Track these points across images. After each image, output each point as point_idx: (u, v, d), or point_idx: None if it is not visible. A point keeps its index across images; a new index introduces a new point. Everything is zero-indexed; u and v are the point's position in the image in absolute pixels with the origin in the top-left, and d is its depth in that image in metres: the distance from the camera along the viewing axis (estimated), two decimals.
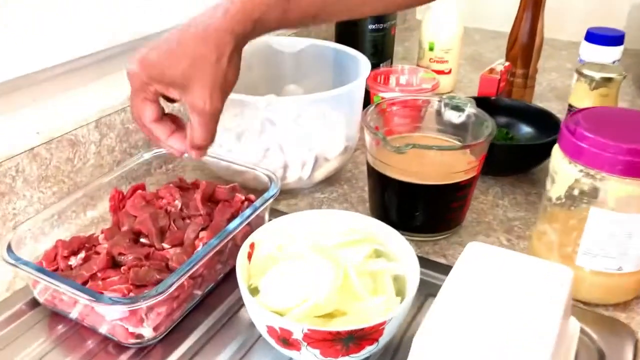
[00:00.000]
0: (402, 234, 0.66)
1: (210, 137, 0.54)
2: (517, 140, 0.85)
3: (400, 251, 0.53)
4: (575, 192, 0.54)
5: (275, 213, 0.72)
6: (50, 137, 0.64)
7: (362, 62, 0.77)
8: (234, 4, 0.49)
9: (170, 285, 0.49)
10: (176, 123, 0.55)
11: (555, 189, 0.56)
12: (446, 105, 0.70)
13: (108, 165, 0.73)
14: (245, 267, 0.51)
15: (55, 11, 0.64)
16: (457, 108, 0.70)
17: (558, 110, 1.02)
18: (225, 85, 0.51)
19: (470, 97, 0.91)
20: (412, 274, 0.50)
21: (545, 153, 0.78)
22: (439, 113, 0.72)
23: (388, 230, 0.55)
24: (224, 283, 0.60)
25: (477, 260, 0.50)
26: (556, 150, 0.56)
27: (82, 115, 0.69)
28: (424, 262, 0.63)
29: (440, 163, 0.63)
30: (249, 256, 0.53)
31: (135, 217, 0.60)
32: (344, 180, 0.80)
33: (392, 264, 0.52)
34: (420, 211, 0.65)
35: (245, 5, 0.49)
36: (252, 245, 0.53)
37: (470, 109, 0.69)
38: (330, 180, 0.79)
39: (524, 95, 1.03)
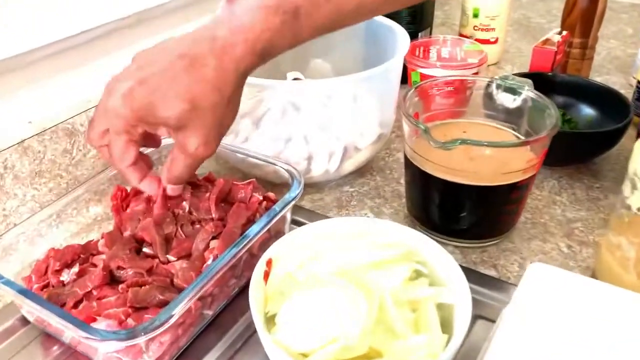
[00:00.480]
0: (445, 239, 0.58)
1: (190, 176, 0.49)
2: (576, 124, 0.74)
3: (445, 271, 0.45)
4: None
5: (297, 211, 0.63)
6: (43, 127, 0.57)
7: (399, 35, 0.66)
8: (233, 35, 0.42)
9: (174, 313, 0.41)
10: (147, 163, 0.49)
11: (637, 197, 0.46)
12: (499, 86, 0.60)
13: None
14: (260, 293, 0.43)
15: None
16: (513, 90, 0.59)
17: (621, 85, 0.90)
18: (222, 128, 0.45)
19: (522, 72, 0.80)
20: (463, 303, 0.41)
21: (611, 141, 0.67)
22: (489, 95, 0.61)
23: (431, 244, 0.46)
24: (239, 298, 0.52)
25: (543, 289, 0.41)
26: (637, 150, 0.46)
27: (80, 100, 0.61)
28: (471, 274, 0.54)
29: (492, 160, 0.53)
30: (266, 276, 0.45)
31: (139, 220, 0.53)
32: (376, 171, 0.70)
33: (437, 290, 0.43)
34: (467, 214, 0.56)
35: (246, 36, 0.42)
36: (269, 263, 0.45)
37: (528, 92, 0.58)
38: (360, 171, 0.70)
39: (580, 69, 0.90)
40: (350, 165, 0.65)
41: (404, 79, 0.78)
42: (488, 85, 0.61)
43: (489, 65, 0.97)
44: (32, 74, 0.57)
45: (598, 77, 0.93)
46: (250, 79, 0.57)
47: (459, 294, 0.42)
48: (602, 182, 0.67)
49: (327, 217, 0.62)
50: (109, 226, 0.58)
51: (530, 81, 0.59)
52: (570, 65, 0.91)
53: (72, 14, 0.57)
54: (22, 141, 0.55)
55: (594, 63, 0.94)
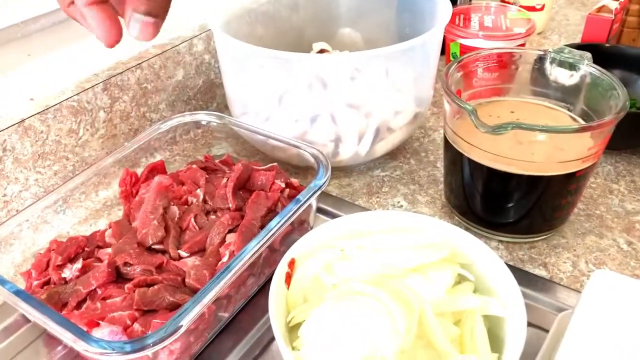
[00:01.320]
0: (487, 232, 0.52)
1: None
2: (635, 102, 0.66)
3: (494, 277, 0.39)
4: None
5: (323, 198, 0.58)
6: (46, 105, 0.52)
7: (439, 2, 0.59)
8: None
9: (185, 322, 0.36)
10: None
11: None
12: (554, 60, 0.53)
13: (123, 135, 0.60)
14: (281, 300, 0.38)
15: None
16: (570, 65, 0.52)
17: None
18: None
19: (572, 44, 0.72)
20: (516, 317, 0.35)
21: None
22: (540, 70, 0.54)
23: (477, 245, 0.40)
24: (257, 297, 0.47)
25: (609, 298, 0.35)
26: None
27: (86, 74, 0.56)
28: (518, 274, 0.48)
29: (545, 146, 0.46)
30: (288, 278, 0.39)
31: None
32: (410, 153, 0.64)
33: (485, 300, 0.37)
34: (515, 206, 0.49)
35: None
36: (291, 263, 0.40)
37: (588, 67, 0.51)
38: (392, 153, 0.64)
39: (636, 39, 0.82)
40: (382, 148, 0.59)
41: (442, 50, 0.71)
42: (540, 59, 0.54)
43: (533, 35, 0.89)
44: (33, 45, 0.52)
45: None
46: (271, 52, 0.51)
47: (511, 306, 0.36)
48: None
49: (356, 205, 0.57)
50: (119, 212, 0.54)
51: (589, 54, 0.52)
52: (624, 35, 0.82)
53: None
54: (23, 120, 0.50)
55: None
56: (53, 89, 0.54)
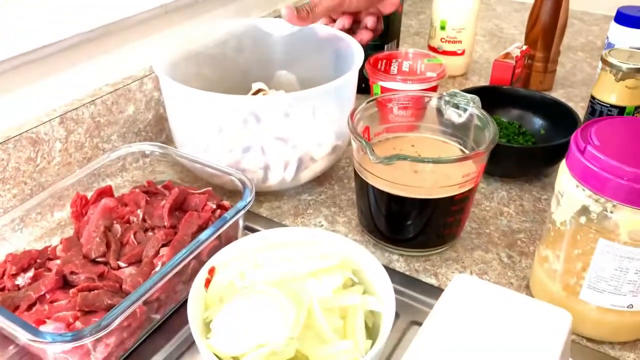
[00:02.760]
0: (391, 248, 0.61)
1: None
2: (531, 137, 0.76)
3: (377, 280, 0.47)
4: (582, 219, 0.46)
5: (255, 218, 0.66)
6: (7, 136, 0.59)
7: (355, 51, 0.69)
8: None
9: (117, 317, 0.44)
10: None
11: (560, 212, 0.49)
12: (447, 102, 0.63)
13: (77, 162, 0.67)
14: (200, 299, 0.46)
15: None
16: (458, 107, 0.62)
17: (582, 97, 0.93)
18: None
19: (481, 86, 0.83)
20: (387, 311, 0.44)
21: (559, 154, 0.70)
22: (439, 111, 0.64)
23: (366, 255, 0.49)
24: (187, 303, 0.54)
25: (464, 298, 0.43)
26: (563, 168, 0.49)
27: (45, 110, 0.63)
28: (412, 282, 0.58)
29: (434, 174, 0.56)
30: (207, 283, 0.47)
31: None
32: (335, 180, 0.73)
33: (366, 298, 0.46)
34: (410, 225, 0.58)
35: None
36: (211, 271, 0.48)
37: (473, 109, 0.61)
38: (319, 179, 0.72)
39: (543, 81, 0.93)
40: (306, 175, 0.68)
41: (367, 90, 0.81)
42: (438, 101, 0.64)
43: (456, 77, 1.00)
44: None
45: (561, 89, 0.96)
46: (210, 94, 0.60)
47: (385, 302, 0.45)
48: (549, 194, 0.70)
49: (282, 225, 0.65)
50: (72, 231, 0.61)
51: (477, 97, 0.62)
52: (533, 77, 0.94)
53: (36, 28, 0.59)
54: None
55: (559, 75, 0.98)
56: (14, 122, 0.61)
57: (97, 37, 0.66)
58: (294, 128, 0.64)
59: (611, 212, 0.44)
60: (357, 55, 0.68)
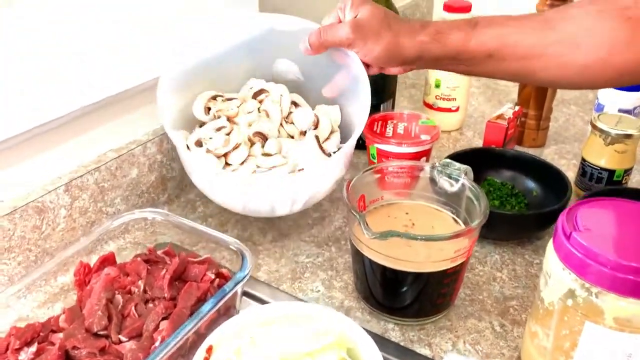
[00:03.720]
0: (387, 317, 0.62)
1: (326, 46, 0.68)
2: (522, 197, 0.78)
3: (369, 355, 0.49)
4: (569, 302, 0.48)
5: (253, 283, 0.68)
6: (14, 206, 0.61)
7: (356, 71, 0.69)
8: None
9: None
10: None
11: (548, 292, 0.50)
12: (440, 172, 0.65)
13: (81, 227, 0.69)
14: None
15: (17, 78, 0.61)
16: (451, 177, 0.64)
17: (574, 154, 0.95)
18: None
19: (472, 148, 0.85)
20: None
21: (551, 220, 0.72)
22: (432, 179, 0.66)
23: (360, 333, 0.50)
24: None
25: None
26: (550, 250, 0.50)
27: (50, 178, 0.66)
28: (407, 354, 0.59)
29: (425, 249, 0.57)
30: None
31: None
32: (332, 241, 0.75)
33: None
34: (404, 296, 0.60)
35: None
36: (209, 349, 0.49)
37: (465, 180, 0.63)
38: (317, 241, 0.74)
39: (536, 138, 0.96)
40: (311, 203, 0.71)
41: (364, 146, 0.83)
42: (431, 170, 0.66)
43: (451, 132, 1.02)
44: (5, 158, 0.61)
45: (554, 145, 0.98)
46: (217, 174, 0.62)
47: None
48: (541, 259, 0.71)
49: (280, 290, 0.67)
50: (74, 296, 0.62)
51: (469, 168, 0.64)
52: (526, 135, 0.96)
53: (44, 103, 0.62)
54: None
55: (551, 131, 1.00)
56: (21, 191, 0.63)
57: (101, 107, 0.69)
58: (300, 184, 0.67)
59: (596, 297, 0.46)
60: (361, 121, 0.69)
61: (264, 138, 0.71)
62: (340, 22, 0.67)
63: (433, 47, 0.63)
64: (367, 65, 0.67)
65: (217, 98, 0.74)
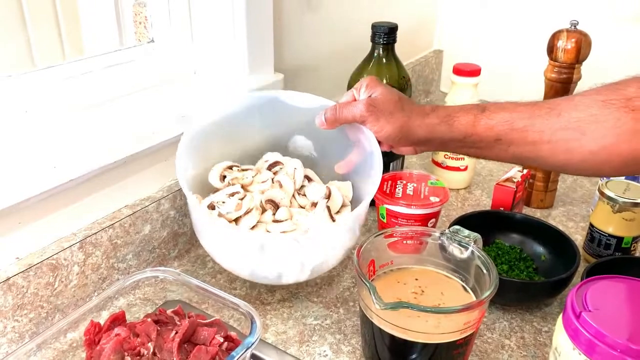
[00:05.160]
0: None
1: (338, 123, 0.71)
2: (530, 262, 0.79)
3: None
4: None
5: (260, 345, 0.68)
6: (29, 264, 0.62)
7: (370, 144, 0.70)
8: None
9: None
10: None
11: None
12: (449, 239, 0.65)
13: (93, 283, 0.70)
14: None
15: (37, 138, 0.64)
16: (460, 244, 0.65)
17: (582, 217, 0.96)
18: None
19: (484, 210, 0.86)
20: None
21: (559, 288, 0.72)
22: (442, 245, 0.67)
23: None
24: None
25: None
26: (560, 326, 0.50)
27: (65, 235, 0.67)
28: None
29: (435, 319, 0.58)
30: None
31: None
32: (340, 302, 0.75)
33: None
34: None
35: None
36: None
37: (474, 249, 0.64)
38: (326, 302, 0.74)
39: (544, 199, 0.97)
40: (319, 272, 0.71)
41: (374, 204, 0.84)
42: (440, 236, 0.66)
43: (459, 190, 1.03)
44: (23, 215, 0.63)
45: (562, 207, 0.99)
46: (229, 228, 0.63)
47: None
48: (550, 326, 0.71)
49: (287, 354, 0.66)
50: (83, 354, 0.63)
51: (479, 236, 0.65)
52: (534, 196, 0.97)
53: (62, 164, 0.64)
54: (8, 279, 0.60)
55: (559, 192, 1.01)
56: (36, 248, 0.65)
57: (119, 166, 0.71)
58: (309, 245, 0.67)
59: None
60: (373, 185, 0.70)
61: (276, 206, 0.72)
62: (355, 100, 0.69)
63: (442, 128, 0.65)
64: (378, 143, 0.70)
65: (233, 168, 0.77)
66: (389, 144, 0.70)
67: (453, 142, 0.66)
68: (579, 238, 0.88)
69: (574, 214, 0.97)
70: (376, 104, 0.67)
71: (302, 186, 0.77)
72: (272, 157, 0.80)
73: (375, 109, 0.67)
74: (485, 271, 0.61)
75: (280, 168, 0.78)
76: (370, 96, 0.68)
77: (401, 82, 0.90)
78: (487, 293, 0.57)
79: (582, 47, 0.85)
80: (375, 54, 0.89)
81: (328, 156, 0.79)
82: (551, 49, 0.87)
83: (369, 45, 0.90)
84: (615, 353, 0.44)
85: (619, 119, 0.55)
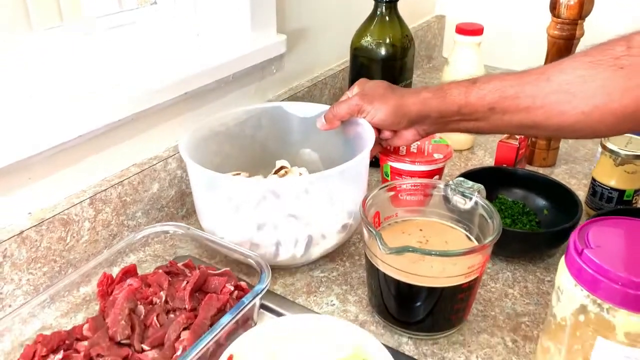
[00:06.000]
0: (400, 330, 0.64)
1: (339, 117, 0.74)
2: (533, 216, 0.80)
3: None
4: (581, 317, 0.49)
5: (269, 295, 0.69)
6: (41, 218, 0.63)
7: (368, 132, 0.73)
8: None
9: None
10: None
11: (560, 308, 0.51)
12: (453, 190, 0.66)
13: (103, 240, 0.71)
14: None
15: (46, 95, 0.64)
16: (464, 195, 0.66)
17: (584, 174, 0.97)
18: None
19: (484, 167, 0.87)
20: None
21: (561, 239, 0.73)
22: (446, 197, 0.68)
23: (376, 345, 0.51)
24: None
25: None
26: (562, 266, 0.52)
27: (75, 191, 0.68)
28: None
29: (440, 263, 0.59)
30: None
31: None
32: (346, 256, 0.76)
33: None
34: (418, 310, 0.61)
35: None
36: (230, 358, 0.51)
37: (478, 198, 0.65)
38: (332, 255, 0.76)
39: (546, 158, 0.97)
40: (317, 252, 0.71)
41: (377, 163, 0.85)
42: (445, 188, 0.67)
43: (462, 151, 1.04)
44: (33, 171, 0.64)
45: (564, 165, 1.00)
46: (229, 177, 0.64)
47: None
48: (552, 276, 0.72)
49: (296, 304, 0.68)
50: (96, 306, 0.64)
51: (482, 187, 0.66)
52: (536, 155, 0.98)
53: (71, 120, 0.64)
54: (21, 232, 0.61)
55: (561, 151, 1.01)
56: (48, 203, 0.66)
57: (125, 123, 0.71)
58: (310, 207, 0.68)
59: (608, 313, 0.47)
60: (369, 136, 0.71)
61: None
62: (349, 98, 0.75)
63: (435, 102, 0.68)
64: (378, 131, 0.74)
65: (242, 174, 0.80)
66: (388, 127, 0.73)
67: (448, 115, 0.68)
68: (581, 194, 0.89)
69: (577, 171, 0.98)
70: (368, 92, 0.72)
71: None
72: (279, 164, 0.84)
73: (367, 96, 0.72)
74: (489, 220, 0.62)
75: (286, 171, 0.81)
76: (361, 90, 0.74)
77: (404, 41, 0.90)
78: (491, 237, 0.58)
79: (585, 2, 0.85)
80: (378, 13, 0.89)
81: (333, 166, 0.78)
82: (554, 5, 0.87)
83: (371, 4, 0.90)
84: (617, 286, 0.46)
85: (608, 77, 0.55)
